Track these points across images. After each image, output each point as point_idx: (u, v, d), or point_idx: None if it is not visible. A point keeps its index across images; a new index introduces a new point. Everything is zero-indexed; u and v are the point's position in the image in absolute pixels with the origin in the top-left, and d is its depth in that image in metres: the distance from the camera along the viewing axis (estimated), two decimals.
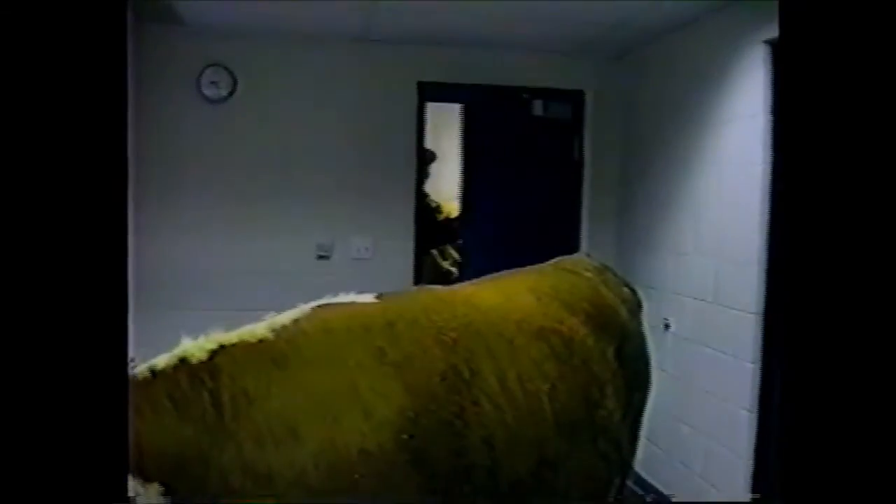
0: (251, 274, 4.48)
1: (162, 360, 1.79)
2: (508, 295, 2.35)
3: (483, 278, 2.59)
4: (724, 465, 3.69)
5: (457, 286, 2.64)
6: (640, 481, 4.39)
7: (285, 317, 1.96)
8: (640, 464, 3.71)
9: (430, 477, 1.87)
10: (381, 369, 1.90)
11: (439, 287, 2.42)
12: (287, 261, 4.60)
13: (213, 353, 1.80)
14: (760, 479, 3.49)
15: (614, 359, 2.39)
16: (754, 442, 3.49)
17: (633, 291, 2.83)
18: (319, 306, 2.04)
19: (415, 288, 2.31)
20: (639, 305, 2.81)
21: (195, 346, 1.81)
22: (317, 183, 4.69)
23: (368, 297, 2.13)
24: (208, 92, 4.53)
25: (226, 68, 4.53)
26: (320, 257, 4.73)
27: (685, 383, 4.03)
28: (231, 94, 4.55)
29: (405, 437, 1.83)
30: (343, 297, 2.10)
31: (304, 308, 2.01)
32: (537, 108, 5.03)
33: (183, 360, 1.78)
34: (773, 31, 3.30)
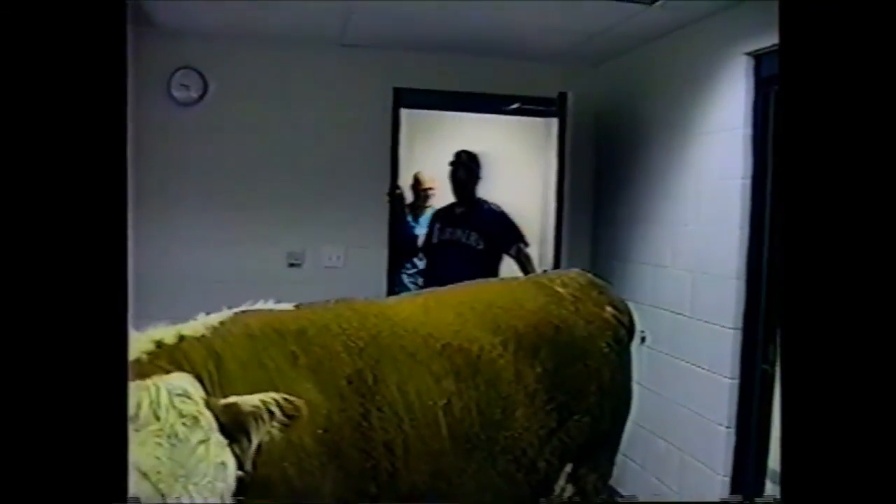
0: (219, 282, 4.28)
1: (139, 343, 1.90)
2: (429, 309, 2.48)
3: (427, 290, 2.72)
4: (699, 481, 3.65)
5: (381, 299, 2.77)
6: (614, 495, 4.34)
7: (213, 318, 2.11)
8: (614, 479, 3.67)
9: (345, 474, 2.05)
10: (295, 371, 2.08)
11: (358, 299, 2.49)
12: (257, 268, 4.47)
13: (180, 339, 1.96)
14: (737, 495, 3.46)
15: (537, 381, 2.44)
16: (731, 459, 3.46)
17: (622, 312, 2.78)
18: (242, 312, 2.19)
19: (333, 300, 2.43)
20: (626, 328, 2.76)
21: (164, 332, 1.95)
22: (288, 189, 4.59)
23: (287, 306, 2.28)
24: (178, 94, 4.41)
25: (196, 71, 4.42)
26: (291, 265, 4.64)
27: (661, 397, 4.00)
28: (202, 97, 4.44)
29: (320, 431, 2.02)
30: (262, 305, 2.25)
31: (226, 312, 2.16)
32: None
33: (159, 344, 1.91)
34: (755, 44, 3.28)
